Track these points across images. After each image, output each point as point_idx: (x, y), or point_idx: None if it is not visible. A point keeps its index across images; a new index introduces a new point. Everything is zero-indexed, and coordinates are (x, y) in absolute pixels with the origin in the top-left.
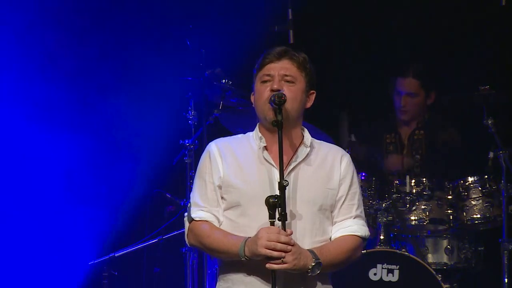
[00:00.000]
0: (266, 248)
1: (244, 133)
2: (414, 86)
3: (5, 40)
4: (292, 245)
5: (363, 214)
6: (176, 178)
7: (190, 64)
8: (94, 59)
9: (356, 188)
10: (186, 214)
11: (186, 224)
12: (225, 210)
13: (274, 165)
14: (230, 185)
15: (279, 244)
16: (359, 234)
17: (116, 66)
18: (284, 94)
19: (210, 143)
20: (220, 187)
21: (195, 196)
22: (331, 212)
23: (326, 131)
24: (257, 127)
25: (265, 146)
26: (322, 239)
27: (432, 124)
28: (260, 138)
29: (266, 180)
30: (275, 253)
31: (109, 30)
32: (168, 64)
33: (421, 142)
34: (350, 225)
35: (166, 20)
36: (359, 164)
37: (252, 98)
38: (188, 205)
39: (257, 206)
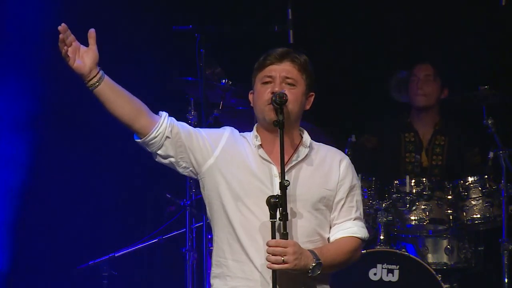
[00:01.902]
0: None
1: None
2: (430, 70)
3: None
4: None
5: (362, 216)
6: (176, 178)
7: (190, 64)
8: None
9: (356, 190)
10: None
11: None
12: (225, 200)
13: (272, 162)
14: (227, 172)
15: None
16: (359, 235)
17: (115, 65)
18: (285, 94)
19: (228, 127)
20: (201, 154)
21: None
22: (329, 212)
23: (326, 131)
24: (254, 127)
25: (260, 144)
26: (318, 238)
27: (453, 132)
28: (256, 137)
29: (266, 176)
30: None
31: (107, 29)
32: (168, 63)
33: (442, 148)
34: (350, 226)
35: (166, 19)
36: (360, 164)
37: (250, 97)
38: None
39: (254, 202)
